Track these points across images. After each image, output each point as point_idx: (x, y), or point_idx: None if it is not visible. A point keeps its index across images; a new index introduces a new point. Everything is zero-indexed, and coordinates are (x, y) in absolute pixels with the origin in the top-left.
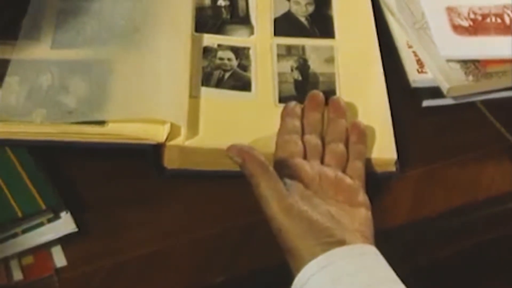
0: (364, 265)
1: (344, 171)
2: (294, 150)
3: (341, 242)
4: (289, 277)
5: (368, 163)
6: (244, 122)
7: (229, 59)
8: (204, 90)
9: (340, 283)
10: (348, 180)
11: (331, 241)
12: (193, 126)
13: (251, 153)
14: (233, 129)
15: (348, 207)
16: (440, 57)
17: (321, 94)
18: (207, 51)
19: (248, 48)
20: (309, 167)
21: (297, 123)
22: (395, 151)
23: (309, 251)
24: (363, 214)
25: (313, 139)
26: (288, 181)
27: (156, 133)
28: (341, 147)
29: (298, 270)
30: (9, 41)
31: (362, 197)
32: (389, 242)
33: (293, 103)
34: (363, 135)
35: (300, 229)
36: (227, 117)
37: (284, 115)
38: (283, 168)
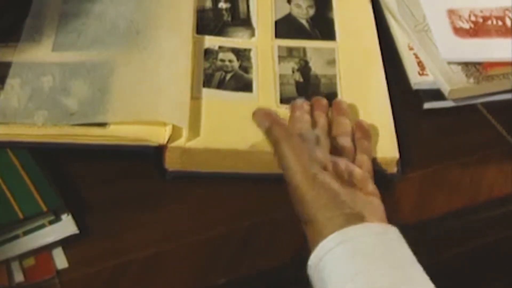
0: (384, 244)
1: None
2: (306, 137)
3: (362, 218)
4: (291, 278)
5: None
6: (246, 123)
7: (230, 61)
8: (205, 91)
9: (358, 259)
10: (358, 169)
11: (353, 213)
12: (194, 127)
13: (277, 118)
14: (235, 130)
15: (362, 194)
16: (441, 60)
17: (324, 99)
18: (209, 53)
19: (249, 50)
20: (321, 154)
21: (307, 115)
22: (397, 150)
23: (330, 222)
24: (376, 202)
25: (321, 134)
26: None
27: (158, 135)
28: (348, 140)
29: (317, 241)
30: (10, 44)
31: (372, 186)
32: None
33: (301, 100)
34: (368, 132)
35: (323, 199)
36: (229, 118)
37: (293, 109)
38: None
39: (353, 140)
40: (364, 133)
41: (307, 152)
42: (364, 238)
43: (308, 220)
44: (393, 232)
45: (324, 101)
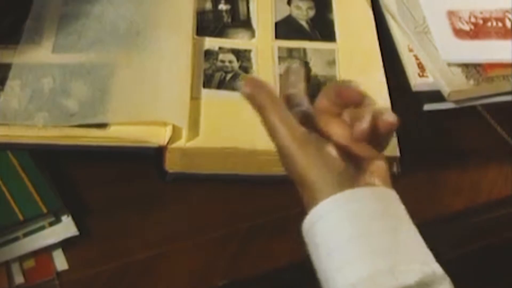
0: (381, 208)
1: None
2: (301, 102)
3: (355, 178)
4: (291, 281)
5: None
6: (245, 124)
7: (230, 62)
8: (205, 92)
9: (353, 223)
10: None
11: (343, 172)
12: (194, 127)
13: (262, 85)
14: (234, 130)
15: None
16: (441, 61)
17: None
18: (209, 54)
19: (250, 51)
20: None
21: (302, 83)
22: (398, 151)
23: (322, 183)
24: (378, 162)
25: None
26: None
27: (158, 136)
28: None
29: (310, 204)
30: (10, 45)
31: (371, 151)
32: None
33: (296, 65)
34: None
35: (313, 157)
36: (228, 119)
37: (287, 74)
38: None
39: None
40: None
41: (296, 111)
42: (355, 203)
43: (300, 181)
44: (387, 195)
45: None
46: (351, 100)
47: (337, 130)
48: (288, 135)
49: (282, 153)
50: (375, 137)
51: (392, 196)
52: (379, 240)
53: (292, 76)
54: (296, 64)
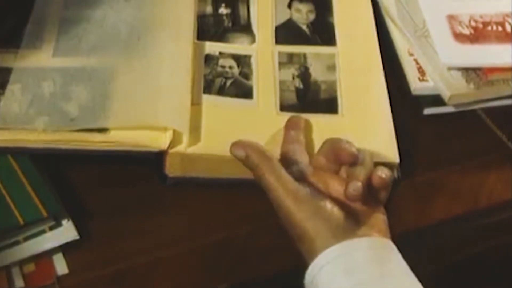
0: (377, 259)
1: None
2: (299, 159)
3: (351, 229)
4: (291, 284)
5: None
6: (246, 130)
7: (230, 67)
8: (205, 98)
9: (351, 275)
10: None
11: (339, 225)
12: (194, 133)
13: (253, 146)
14: (234, 137)
15: (358, 207)
16: (441, 65)
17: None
18: (209, 59)
19: (250, 56)
20: (315, 173)
21: (301, 136)
22: (398, 156)
23: (318, 236)
24: (376, 214)
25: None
26: None
27: (158, 141)
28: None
29: (312, 255)
30: (11, 49)
31: (376, 197)
32: None
33: (296, 117)
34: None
35: (309, 211)
36: (229, 124)
37: (287, 127)
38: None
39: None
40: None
41: (292, 170)
42: (352, 253)
43: (298, 236)
44: (383, 244)
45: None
46: (346, 161)
47: (334, 186)
48: (283, 191)
49: (279, 210)
50: (372, 192)
51: (388, 246)
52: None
53: (292, 131)
54: (296, 117)
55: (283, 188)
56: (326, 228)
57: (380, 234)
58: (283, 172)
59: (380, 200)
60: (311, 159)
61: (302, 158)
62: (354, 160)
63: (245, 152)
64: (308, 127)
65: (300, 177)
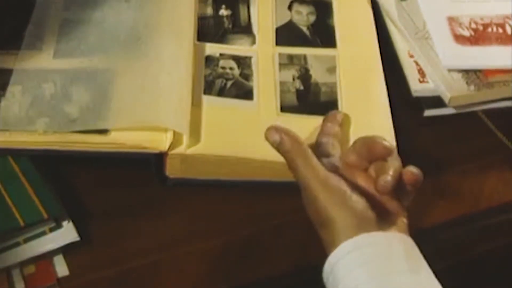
0: (398, 253)
1: None
2: (331, 152)
3: (375, 222)
4: (292, 286)
5: None
6: (246, 131)
7: (231, 68)
8: (206, 99)
9: (371, 267)
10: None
11: (365, 216)
12: (195, 134)
13: (286, 131)
14: (235, 137)
15: (384, 201)
16: (441, 67)
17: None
18: (209, 60)
19: (250, 57)
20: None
21: (336, 128)
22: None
23: (342, 225)
24: (401, 220)
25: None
26: None
27: (159, 142)
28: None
29: (333, 244)
30: (12, 51)
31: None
32: None
33: (334, 112)
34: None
35: (336, 200)
36: (229, 125)
37: (324, 121)
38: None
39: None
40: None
41: (323, 160)
42: (373, 246)
43: (321, 222)
44: (406, 240)
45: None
46: (380, 155)
47: (362, 182)
48: (313, 177)
49: (306, 195)
50: (399, 191)
51: (409, 242)
52: (399, 281)
53: (329, 124)
54: (335, 111)
55: (313, 174)
56: (351, 218)
57: (400, 230)
58: (314, 159)
59: (406, 198)
60: (342, 155)
61: (335, 151)
62: (388, 153)
63: (279, 137)
64: (346, 122)
65: (331, 170)
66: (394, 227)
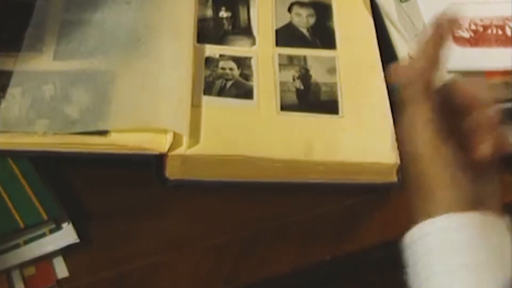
0: (491, 237)
1: None
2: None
3: (479, 202)
4: (292, 287)
5: (370, 173)
6: (246, 131)
7: (231, 69)
8: (206, 99)
9: (471, 251)
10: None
11: (468, 197)
12: (195, 135)
13: (417, 73)
14: (235, 138)
15: (482, 175)
16: (441, 68)
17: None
18: (209, 61)
19: (250, 58)
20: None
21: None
22: (398, 158)
23: (448, 194)
24: (496, 189)
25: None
26: None
27: (159, 143)
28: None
29: (427, 212)
30: (12, 53)
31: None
32: (389, 254)
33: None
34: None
35: (447, 168)
36: (229, 125)
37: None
38: None
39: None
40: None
41: (436, 122)
42: (473, 230)
43: (422, 186)
44: (504, 227)
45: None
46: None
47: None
48: (429, 138)
49: (417, 154)
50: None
51: (508, 229)
52: (490, 276)
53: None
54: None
55: (431, 135)
56: (454, 190)
57: (498, 206)
58: (435, 118)
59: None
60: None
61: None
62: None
63: (408, 80)
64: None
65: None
66: (494, 198)
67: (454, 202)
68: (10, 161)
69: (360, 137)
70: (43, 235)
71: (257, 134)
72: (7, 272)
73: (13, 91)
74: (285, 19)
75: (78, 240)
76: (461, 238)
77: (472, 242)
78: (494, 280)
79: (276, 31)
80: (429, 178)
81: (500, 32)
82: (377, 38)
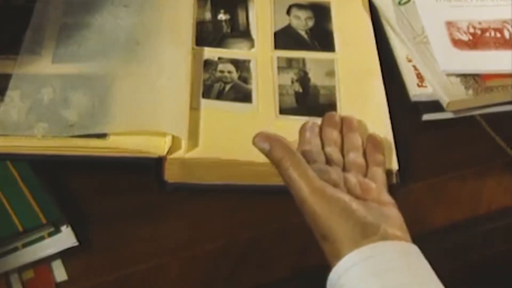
0: (407, 264)
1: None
2: (316, 158)
3: (377, 228)
4: None
5: None
6: (245, 134)
7: (229, 72)
8: (204, 102)
9: (380, 278)
10: (370, 183)
11: (367, 222)
12: (193, 138)
13: (277, 138)
14: (234, 141)
15: (377, 205)
16: (440, 71)
17: (337, 115)
18: (208, 64)
19: (249, 61)
20: (333, 171)
21: (317, 138)
22: (396, 162)
23: (346, 235)
24: (393, 211)
25: (333, 151)
26: None
27: (158, 147)
28: (359, 156)
29: (337, 255)
30: (11, 56)
31: (387, 196)
32: None
33: (311, 121)
34: (379, 144)
35: (335, 210)
36: (228, 128)
37: (303, 131)
38: None
39: (365, 155)
40: (376, 146)
41: (312, 168)
42: (381, 256)
43: (323, 234)
44: (411, 249)
45: (337, 118)
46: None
47: (352, 179)
48: (308, 187)
49: (303, 206)
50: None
51: (415, 252)
52: None
53: (307, 133)
54: (311, 121)
55: (307, 184)
56: (352, 227)
57: (402, 232)
58: (307, 167)
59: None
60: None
61: (319, 157)
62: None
63: (269, 145)
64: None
65: (320, 176)
66: (395, 226)
67: (356, 236)
68: (9, 165)
69: None
70: (42, 239)
71: None
72: (6, 275)
73: (12, 94)
74: (283, 21)
75: (77, 244)
76: (373, 267)
77: (385, 268)
78: None
79: (275, 33)
80: (326, 220)
81: (498, 35)
82: (376, 41)
